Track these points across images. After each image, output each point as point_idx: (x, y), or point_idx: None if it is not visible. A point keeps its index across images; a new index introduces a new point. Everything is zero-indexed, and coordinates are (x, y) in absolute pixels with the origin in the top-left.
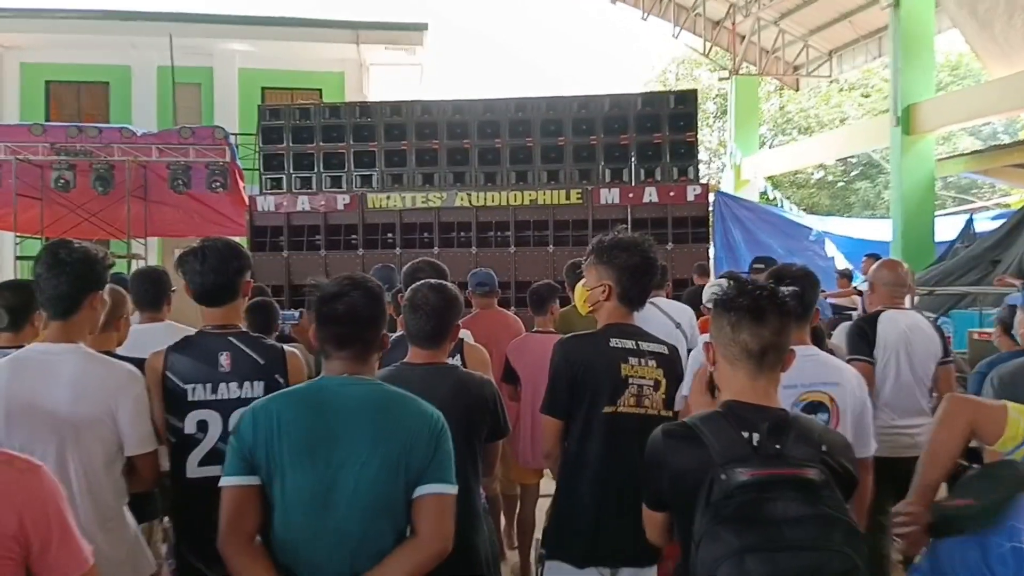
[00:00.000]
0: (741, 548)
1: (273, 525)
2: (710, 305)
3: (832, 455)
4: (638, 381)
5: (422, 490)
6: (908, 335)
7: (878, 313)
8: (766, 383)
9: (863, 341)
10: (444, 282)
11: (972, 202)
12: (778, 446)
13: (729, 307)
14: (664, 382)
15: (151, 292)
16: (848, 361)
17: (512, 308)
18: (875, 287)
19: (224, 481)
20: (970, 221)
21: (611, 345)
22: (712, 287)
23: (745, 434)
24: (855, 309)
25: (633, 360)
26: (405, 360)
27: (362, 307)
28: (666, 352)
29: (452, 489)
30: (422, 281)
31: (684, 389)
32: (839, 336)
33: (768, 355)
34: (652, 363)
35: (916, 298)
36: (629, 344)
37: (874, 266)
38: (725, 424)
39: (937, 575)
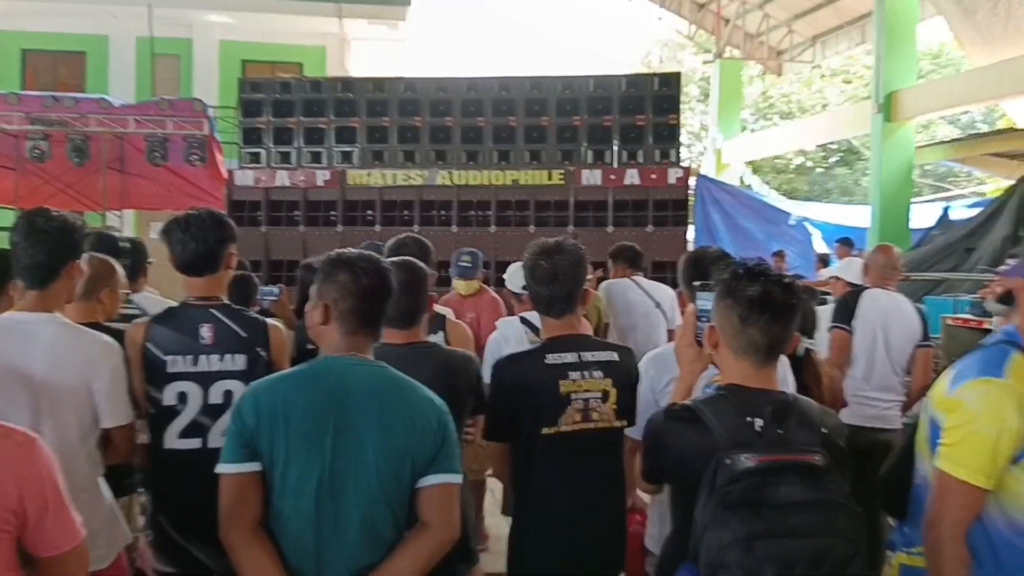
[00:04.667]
0: (748, 535)
1: (274, 511)
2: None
3: (832, 437)
4: (582, 395)
5: (430, 479)
6: (887, 314)
7: (863, 289)
8: (769, 370)
9: (845, 311)
10: (410, 259)
11: (949, 190)
12: (780, 431)
13: (739, 298)
14: (614, 391)
15: (127, 263)
16: (829, 329)
17: (491, 288)
18: (869, 269)
19: (223, 468)
20: (947, 209)
21: (547, 362)
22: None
23: (748, 419)
24: (831, 293)
25: (574, 375)
26: (383, 341)
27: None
28: (615, 359)
29: (458, 479)
30: (388, 260)
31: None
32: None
33: (776, 349)
34: (598, 374)
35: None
36: (569, 358)
37: (869, 250)
38: (728, 408)
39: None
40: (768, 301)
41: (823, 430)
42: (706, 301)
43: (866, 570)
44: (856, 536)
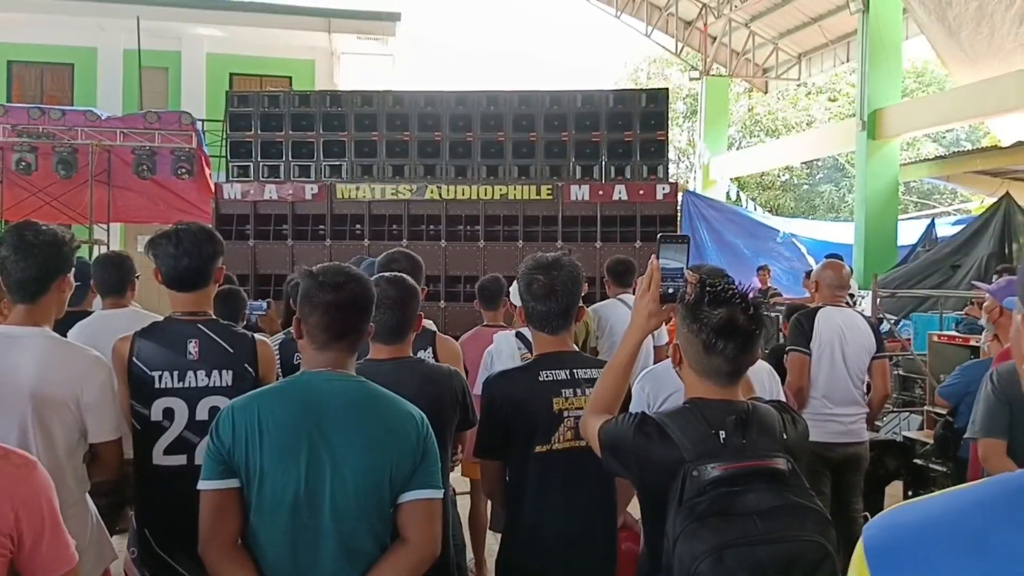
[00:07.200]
0: (719, 545)
1: (251, 528)
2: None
3: (792, 443)
4: (575, 413)
5: (410, 495)
6: (842, 330)
7: (817, 309)
8: (733, 388)
9: (801, 334)
10: (400, 274)
11: (933, 207)
12: (743, 440)
13: (704, 324)
14: None
15: (115, 277)
16: (787, 351)
17: (477, 303)
18: (819, 286)
19: (202, 485)
20: (932, 225)
21: (540, 379)
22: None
23: (713, 431)
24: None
25: (567, 392)
26: (369, 357)
27: (364, 297)
28: None
29: (439, 494)
30: (378, 275)
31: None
32: None
33: (739, 372)
34: (590, 391)
35: (879, 299)
36: (562, 375)
37: (818, 267)
38: (693, 420)
39: None
40: (733, 329)
41: (784, 436)
42: (669, 260)
43: (837, 573)
44: (826, 539)
